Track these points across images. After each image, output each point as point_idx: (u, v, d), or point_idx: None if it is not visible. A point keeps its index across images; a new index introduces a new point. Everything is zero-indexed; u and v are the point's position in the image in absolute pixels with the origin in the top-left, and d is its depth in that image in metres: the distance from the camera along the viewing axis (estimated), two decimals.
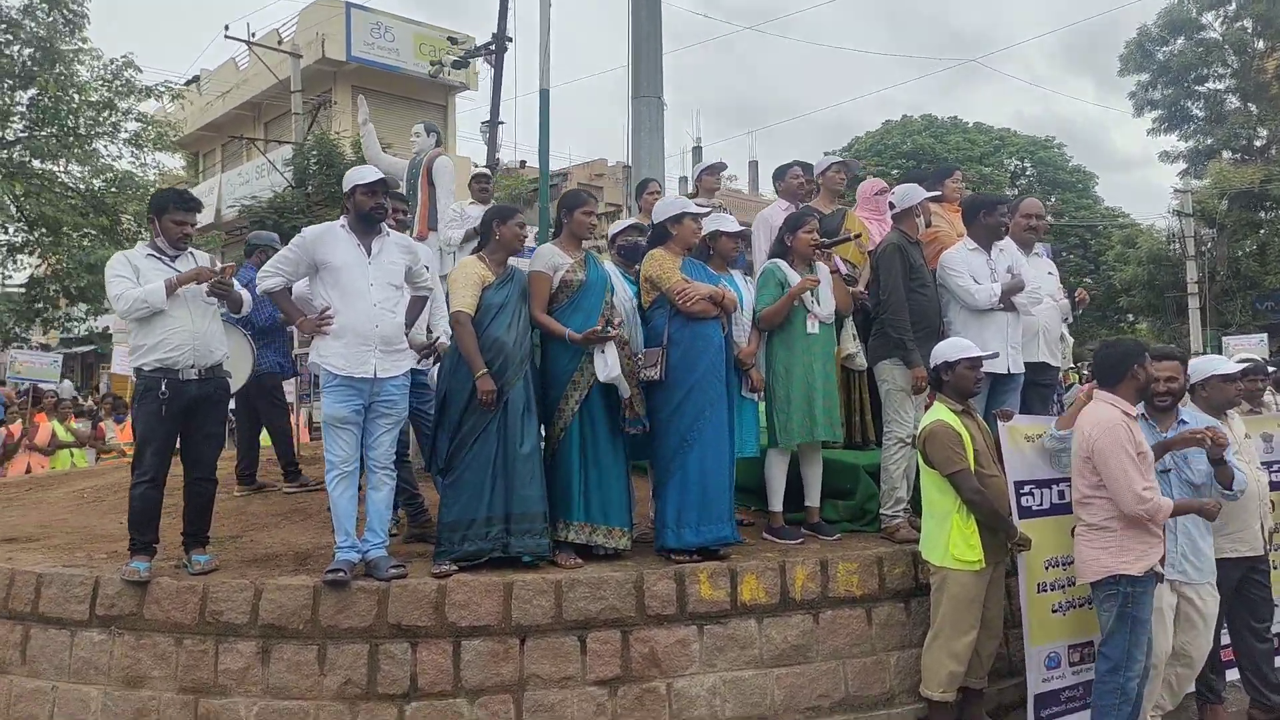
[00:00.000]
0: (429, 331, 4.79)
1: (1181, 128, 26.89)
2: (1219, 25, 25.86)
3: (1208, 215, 23.63)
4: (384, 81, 22.07)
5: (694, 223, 4.56)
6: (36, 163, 15.80)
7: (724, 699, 3.98)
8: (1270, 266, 22.54)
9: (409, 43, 22.63)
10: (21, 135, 15.56)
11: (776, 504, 4.70)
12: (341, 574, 3.82)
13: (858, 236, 5.38)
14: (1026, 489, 4.25)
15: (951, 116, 33.00)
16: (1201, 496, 4.04)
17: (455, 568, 3.99)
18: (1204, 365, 4.50)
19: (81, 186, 16.41)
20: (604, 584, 3.97)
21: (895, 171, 24.76)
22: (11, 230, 16.35)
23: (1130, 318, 27.90)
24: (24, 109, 15.43)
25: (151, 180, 17.06)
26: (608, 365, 4.15)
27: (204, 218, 21.64)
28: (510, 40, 14.08)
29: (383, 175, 4.24)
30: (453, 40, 17.35)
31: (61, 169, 16.46)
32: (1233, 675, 4.59)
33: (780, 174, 5.84)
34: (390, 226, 4.41)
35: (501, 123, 14.66)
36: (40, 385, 10.74)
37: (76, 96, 15.39)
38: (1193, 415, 4.24)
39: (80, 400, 14.16)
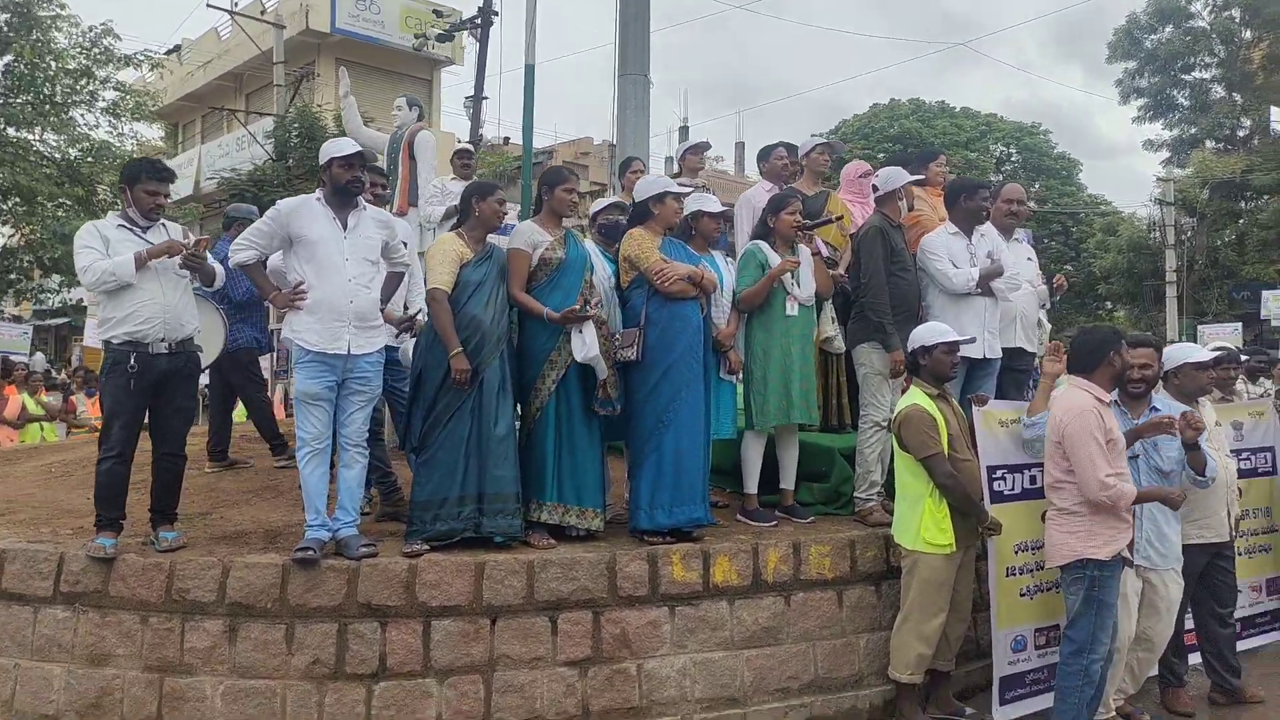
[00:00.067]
0: (405, 308, 4.74)
1: (1166, 116, 27.00)
2: (1207, 14, 25.92)
3: (1189, 204, 23.79)
4: (368, 54, 21.79)
5: (676, 202, 4.52)
6: (11, 130, 15.53)
7: (694, 680, 4.00)
8: (1248, 256, 22.77)
9: (395, 15, 22.33)
10: None
11: (751, 486, 4.71)
12: (311, 552, 3.79)
13: (839, 219, 5.36)
14: (999, 473, 4.28)
15: (939, 101, 33.06)
16: (1170, 484, 4.08)
17: (427, 547, 3.97)
18: (1177, 353, 4.54)
19: (57, 156, 16.14)
20: (576, 565, 3.97)
21: (882, 155, 24.75)
22: None
23: (1109, 305, 28.16)
24: None
25: (129, 150, 16.81)
26: (585, 345, 4.13)
27: (183, 189, 21.42)
28: (496, 14, 13.94)
29: (360, 148, 4.17)
30: (438, 13, 17.13)
31: (37, 137, 16.19)
32: (1195, 659, 4.66)
33: (764, 155, 5.82)
34: (368, 201, 4.34)
35: (485, 98, 14.49)
36: (10, 357, 10.59)
37: (53, 64, 15.12)
38: (1165, 403, 4.27)
39: (53, 373, 13.99)
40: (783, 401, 4.56)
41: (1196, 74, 26.51)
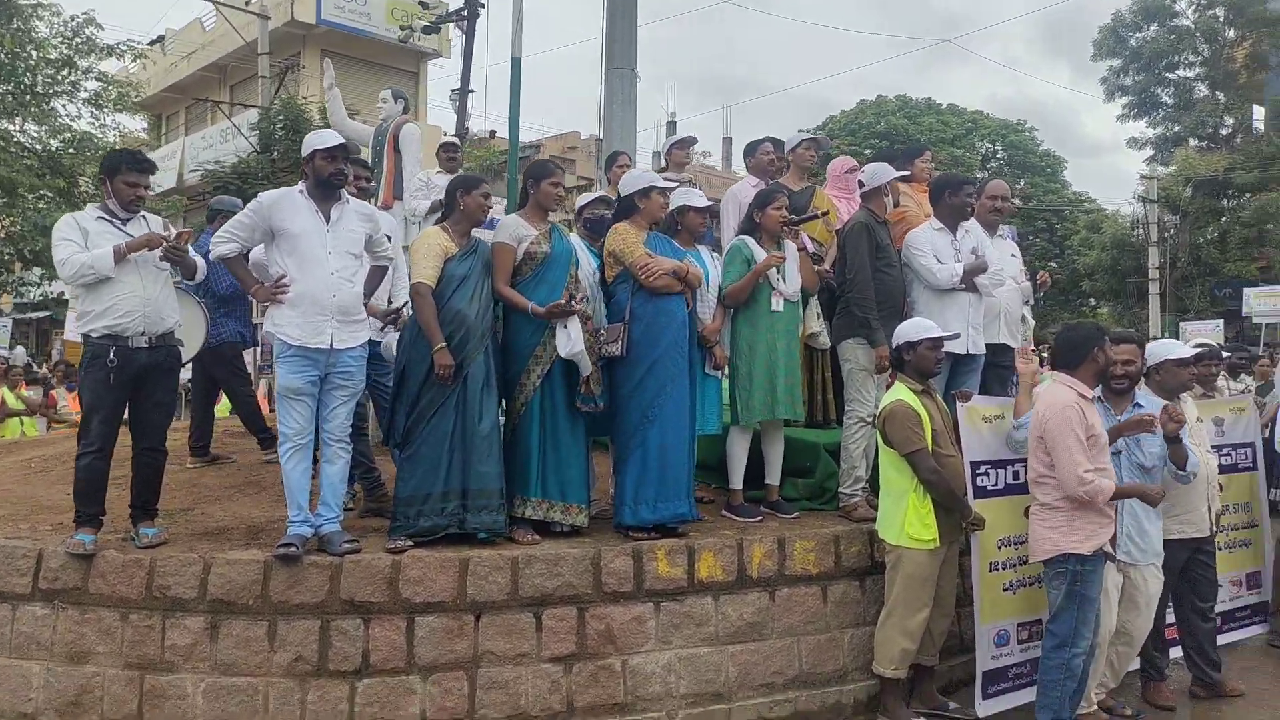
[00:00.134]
0: (389, 301, 4.71)
1: (1150, 114, 27.15)
2: (1192, 13, 26.07)
3: (1172, 202, 23.96)
4: (354, 46, 21.63)
5: (661, 197, 4.51)
6: None
7: (679, 676, 4.00)
8: (1230, 254, 22.94)
9: (381, 7, 22.15)
10: None
11: (737, 482, 4.71)
12: (293, 548, 3.76)
13: (825, 214, 5.37)
14: (982, 469, 4.30)
15: (926, 98, 33.11)
16: (1152, 479, 4.11)
17: (411, 543, 3.94)
18: (1159, 349, 4.57)
19: (38, 147, 15.94)
20: (561, 561, 3.95)
21: (868, 151, 24.79)
22: None
23: (1092, 302, 28.33)
24: None
25: (111, 142, 16.60)
26: (570, 340, 4.11)
27: (166, 182, 21.22)
28: (483, 7, 13.79)
29: (344, 140, 4.13)
30: (424, 5, 16.97)
31: (17, 128, 15.97)
32: (1176, 653, 4.70)
33: (751, 150, 5.80)
34: (351, 194, 4.31)
35: (472, 91, 14.35)
36: None
37: (34, 53, 14.92)
38: (1148, 399, 4.30)
39: (34, 368, 13.84)
40: (768, 397, 4.57)
41: (1180, 72, 26.70)
